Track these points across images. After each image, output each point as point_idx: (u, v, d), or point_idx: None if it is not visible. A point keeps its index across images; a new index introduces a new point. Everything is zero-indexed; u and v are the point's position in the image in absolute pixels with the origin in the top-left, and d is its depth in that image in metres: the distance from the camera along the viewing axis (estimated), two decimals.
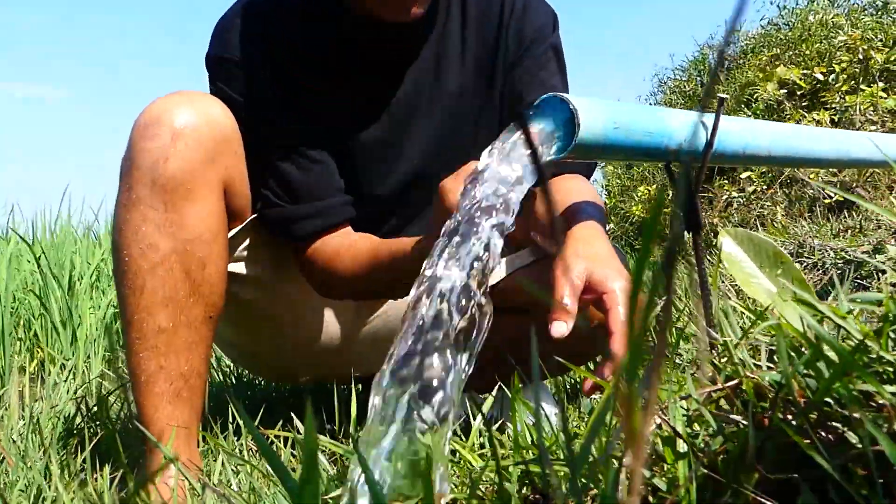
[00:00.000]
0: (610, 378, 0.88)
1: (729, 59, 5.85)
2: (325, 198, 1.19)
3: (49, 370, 2.16)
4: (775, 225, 3.58)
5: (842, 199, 3.71)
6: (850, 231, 2.73)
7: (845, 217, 3.13)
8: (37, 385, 1.99)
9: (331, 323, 1.36)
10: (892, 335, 0.54)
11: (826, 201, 3.79)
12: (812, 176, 3.88)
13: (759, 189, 4.32)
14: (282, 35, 1.19)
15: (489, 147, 0.81)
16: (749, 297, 1.02)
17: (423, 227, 1.17)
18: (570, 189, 1.17)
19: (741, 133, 1.11)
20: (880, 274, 1.84)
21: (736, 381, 0.57)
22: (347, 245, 1.19)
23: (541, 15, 1.27)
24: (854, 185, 3.58)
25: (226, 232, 1.12)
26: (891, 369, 0.52)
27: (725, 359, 0.62)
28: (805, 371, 0.53)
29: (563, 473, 0.57)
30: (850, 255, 2.15)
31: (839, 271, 2.05)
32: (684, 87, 6.45)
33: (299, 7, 1.20)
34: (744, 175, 4.40)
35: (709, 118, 1.04)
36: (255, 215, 1.21)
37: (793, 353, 0.56)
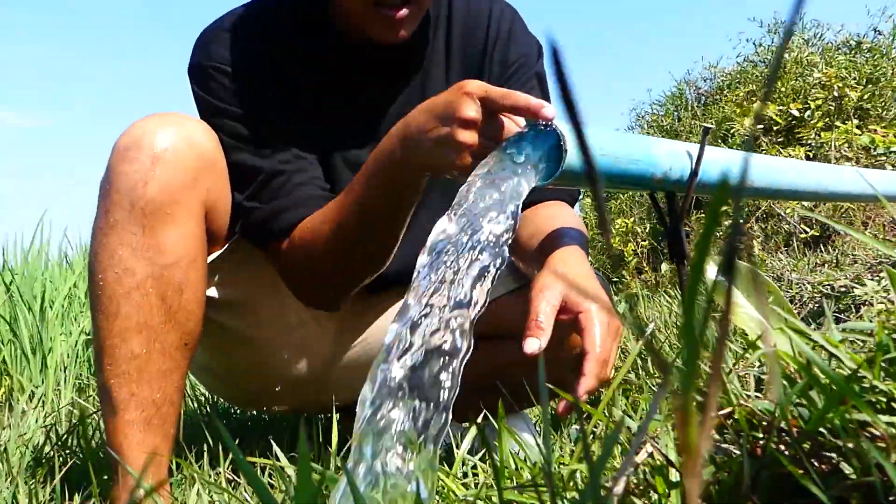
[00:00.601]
0: (584, 397, 0.87)
1: (706, 94, 5.93)
2: (302, 190, 1.15)
3: (18, 398, 2.11)
4: (752, 259, 3.59)
5: (818, 234, 3.74)
6: (826, 265, 2.74)
7: (822, 251, 3.15)
8: (4, 413, 1.94)
9: (310, 348, 1.33)
10: (883, 364, 0.53)
11: (802, 236, 3.82)
12: (789, 211, 3.91)
13: None
14: (282, 35, 1.19)
15: (477, 170, 0.81)
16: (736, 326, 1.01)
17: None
18: (552, 215, 1.16)
19: (726, 164, 1.11)
20: (859, 307, 1.84)
21: (728, 410, 0.56)
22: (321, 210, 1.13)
23: (525, 43, 1.27)
24: (830, 220, 3.59)
25: (205, 257, 1.10)
26: (884, 399, 0.51)
27: None
28: (797, 400, 0.52)
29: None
30: (826, 290, 2.16)
31: (817, 304, 2.05)
32: (661, 121, 6.52)
33: (299, 9, 1.20)
34: (721, 209, 4.42)
35: (694, 148, 1.04)
36: (234, 237, 1.18)
37: (785, 382, 0.55)
